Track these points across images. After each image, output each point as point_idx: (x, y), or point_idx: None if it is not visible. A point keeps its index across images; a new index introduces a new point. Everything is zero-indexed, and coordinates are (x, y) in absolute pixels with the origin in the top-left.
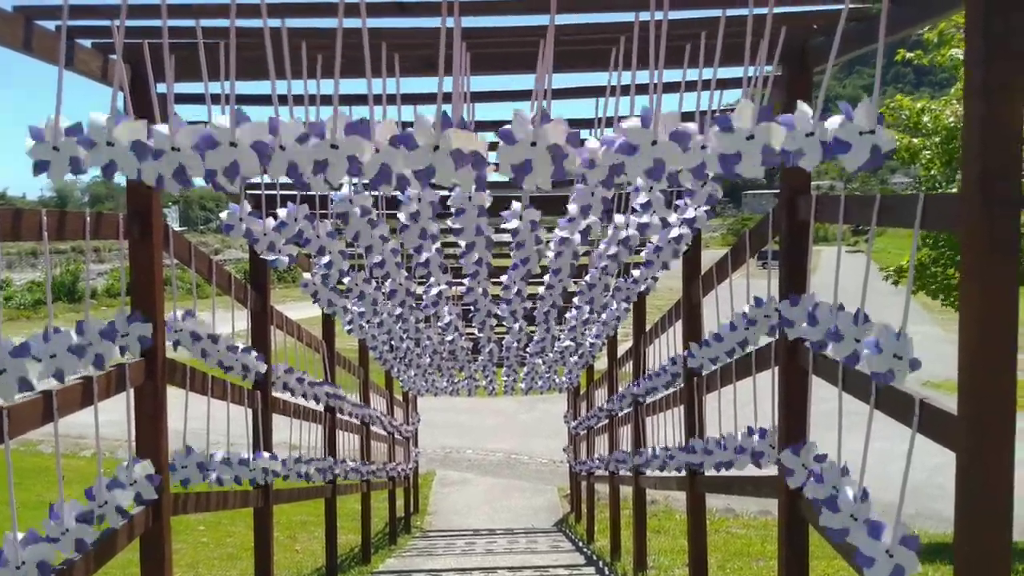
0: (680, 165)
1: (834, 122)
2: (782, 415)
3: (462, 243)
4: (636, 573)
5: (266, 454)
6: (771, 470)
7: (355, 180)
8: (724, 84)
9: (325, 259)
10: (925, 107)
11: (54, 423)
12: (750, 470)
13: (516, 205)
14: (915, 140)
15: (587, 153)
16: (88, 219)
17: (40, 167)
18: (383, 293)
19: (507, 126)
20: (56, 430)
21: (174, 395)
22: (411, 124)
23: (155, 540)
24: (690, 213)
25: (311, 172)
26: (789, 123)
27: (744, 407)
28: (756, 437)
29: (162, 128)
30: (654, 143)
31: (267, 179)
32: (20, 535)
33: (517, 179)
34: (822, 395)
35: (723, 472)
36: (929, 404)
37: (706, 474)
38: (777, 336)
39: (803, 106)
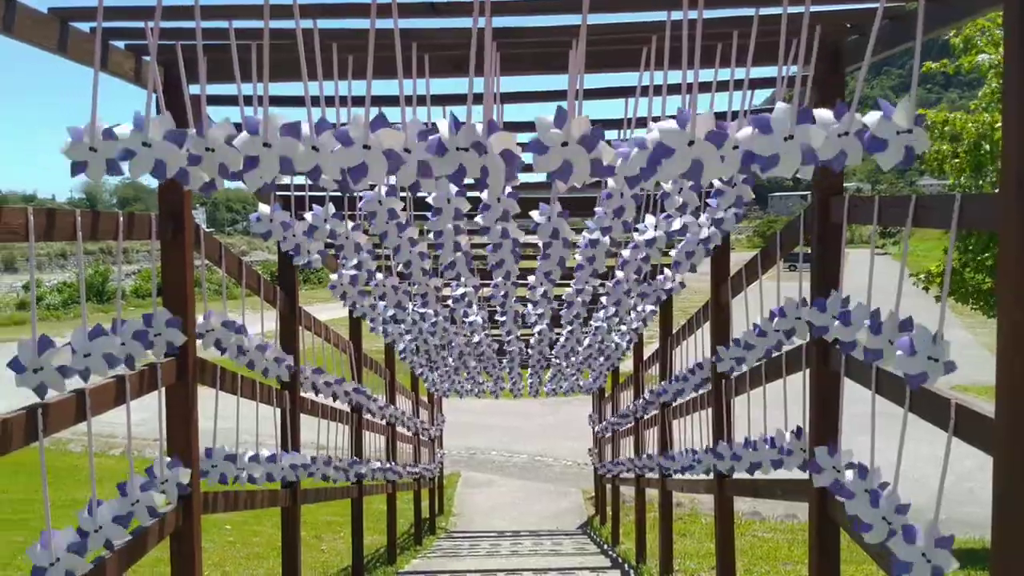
0: (717, 166)
1: (872, 119)
2: (814, 418)
3: (489, 244)
4: None
5: (295, 453)
6: (801, 473)
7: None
8: (755, 84)
9: (353, 260)
10: (948, 119)
11: (87, 422)
12: (779, 473)
13: (544, 207)
14: (944, 146)
15: (619, 152)
16: (121, 220)
17: (78, 167)
18: (410, 294)
19: (534, 136)
20: (89, 429)
21: (203, 395)
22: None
23: (186, 538)
24: (719, 214)
25: (352, 175)
26: (826, 122)
27: (773, 409)
28: (788, 439)
29: (218, 131)
30: (690, 144)
31: (297, 180)
32: (55, 533)
33: (561, 177)
34: (851, 397)
35: (753, 475)
36: (965, 406)
37: (735, 477)
38: (808, 339)
39: (840, 106)
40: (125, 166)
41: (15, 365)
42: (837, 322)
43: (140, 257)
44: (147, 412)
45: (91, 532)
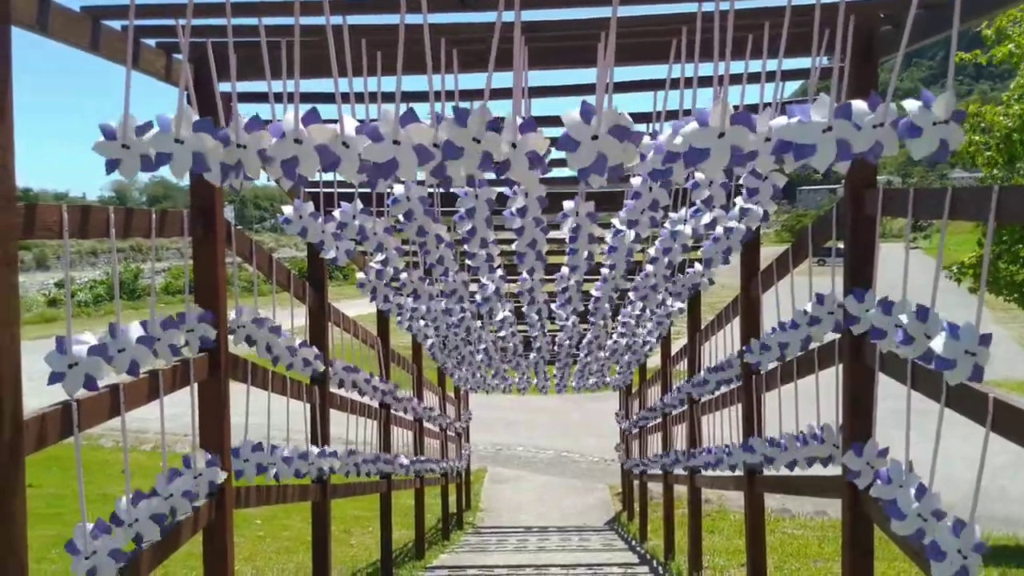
0: (754, 147)
1: (912, 106)
2: (847, 414)
3: (517, 239)
4: (691, 573)
5: (325, 449)
6: (833, 469)
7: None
8: (787, 76)
9: (381, 256)
10: (979, 111)
11: (121, 417)
12: (811, 469)
13: (570, 203)
14: (976, 138)
15: (651, 150)
16: (154, 217)
17: (111, 165)
18: (439, 290)
19: (573, 113)
20: (123, 424)
21: (234, 390)
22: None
23: (218, 532)
24: (750, 207)
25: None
26: (861, 112)
27: (805, 405)
28: (819, 436)
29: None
30: (721, 136)
31: (326, 177)
32: (90, 526)
33: (595, 170)
34: (882, 392)
35: (783, 471)
36: (1003, 401)
37: (765, 473)
38: (842, 333)
39: (874, 97)
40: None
41: (52, 360)
42: (874, 310)
43: (170, 255)
44: (178, 407)
45: (126, 526)
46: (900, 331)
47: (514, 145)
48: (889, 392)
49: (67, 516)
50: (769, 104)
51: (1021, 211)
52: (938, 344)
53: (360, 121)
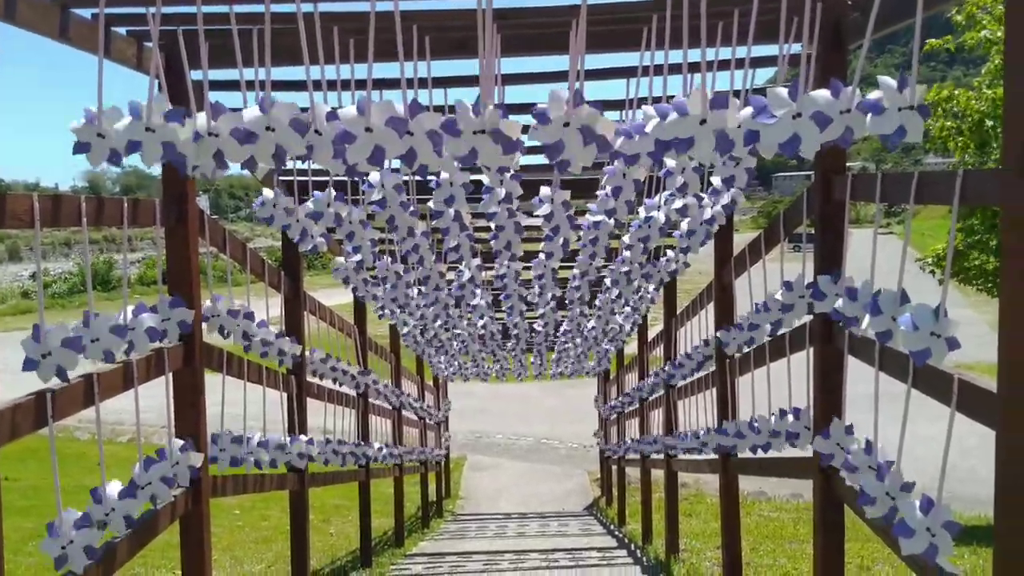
0: (734, 134)
1: (886, 82)
2: (817, 396)
3: (493, 226)
4: (669, 556)
5: (303, 437)
6: (805, 451)
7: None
8: (757, 63)
9: (357, 244)
10: (952, 94)
11: (95, 407)
12: (784, 451)
13: (546, 189)
14: (948, 123)
15: (625, 141)
16: (126, 205)
17: (80, 148)
18: (416, 279)
19: (542, 106)
20: (98, 414)
21: (210, 381)
22: (441, 107)
23: (195, 522)
24: (723, 195)
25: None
26: (827, 100)
27: (777, 388)
28: (791, 418)
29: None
30: (703, 122)
31: (300, 164)
32: (65, 515)
33: (549, 156)
34: (854, 377)
35: (757, 454)
36: (967, 382)
37: (739, 456)
38: (812, 317)
39: (835, 84)
40: (133, 156)
41: (27, 347)
42: (842, 299)
43: (144, 245)
44: (153, 400)
45: (103, 515)
46: (868, 314)
47: (483, 131)
48: (861, 376)
49: (43, 508)
50: (739, 91)
51: (984, 193)
52: (905, 334)
53: (333, 108)
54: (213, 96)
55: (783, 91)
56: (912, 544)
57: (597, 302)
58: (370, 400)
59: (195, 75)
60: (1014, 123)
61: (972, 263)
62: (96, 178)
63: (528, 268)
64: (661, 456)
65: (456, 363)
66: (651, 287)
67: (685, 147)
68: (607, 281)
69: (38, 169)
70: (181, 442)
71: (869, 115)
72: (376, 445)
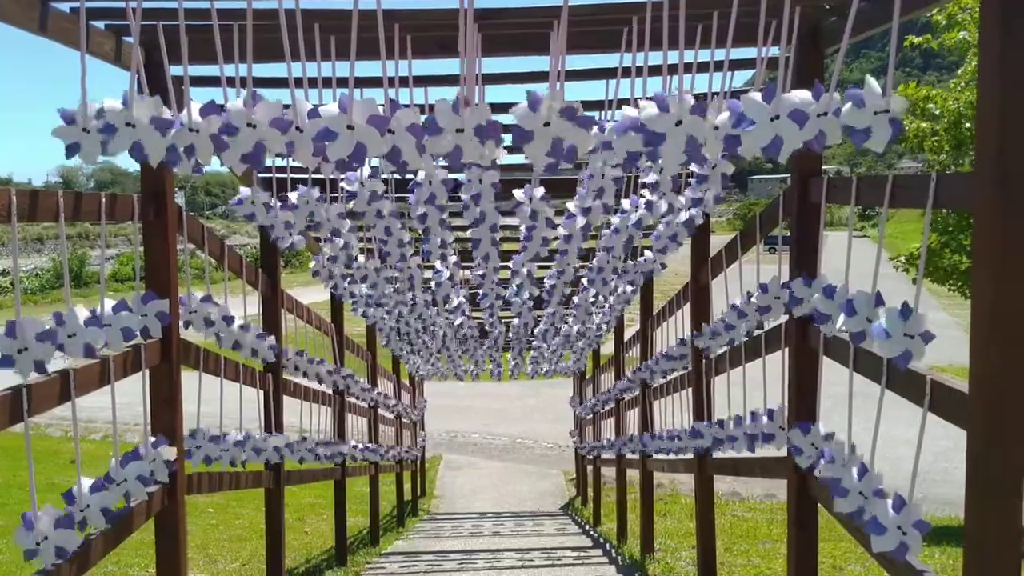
0: (709, 142)
1: (870, 83)
2: (792, 396)
3: (470, 226)
4: (643, 555)
5: (278, 434)
6: (780, 451)
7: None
8: (735, 65)
9: (335, 242)
10: (929, 95)
11: (71, 403)
12: (759, 451)
13: (526, 188)
14: (924, 124)
15: (601, 139)
16: (103, 200)
17: (72, 150)
18: (393, 277)
19: (521, 104)
20: (74, 409)
21: (186, 378)
22: (422, 106)
23: (170, 519)
24: (700, 195)
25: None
26: (805, 102)
27: (753, 389)
28: (765, 419)
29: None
30: (679, 124)
31: (279, 162)
32: (40, 513)
33: (518, 142)
34: (831, 379)
35: (731, 454)
36: (940, 383)
37: (714, 456)
38: (788, 318)
39: (817, 87)
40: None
41: (2, 344)
42: (818, 295)
43: (119, 242)
44: (127, 397)
45: (78, 512)
46: (842, 314)
47: (461, 130)
48: (838, 378)
49: (14, 506)
50: (717, 93)
51: (958, 197)
52: (881, 343)
53: (314, 106)
54: (193, 92)
55: (757, 96)
56: (883, 542)
57: (574, 301)
58: (347, 398)
59: (175, 70)
60: (986, 129)
61: (945, 262)
62: (70, 173)
63: (506, 267)
64: (636, 456)
65: (433, 362)
66: (628, 287)
67: (657, 141)
68: (584, 281)
69: (10, 164)
70: (155, 439)
71: (848, 104)
72: (352, 443)
